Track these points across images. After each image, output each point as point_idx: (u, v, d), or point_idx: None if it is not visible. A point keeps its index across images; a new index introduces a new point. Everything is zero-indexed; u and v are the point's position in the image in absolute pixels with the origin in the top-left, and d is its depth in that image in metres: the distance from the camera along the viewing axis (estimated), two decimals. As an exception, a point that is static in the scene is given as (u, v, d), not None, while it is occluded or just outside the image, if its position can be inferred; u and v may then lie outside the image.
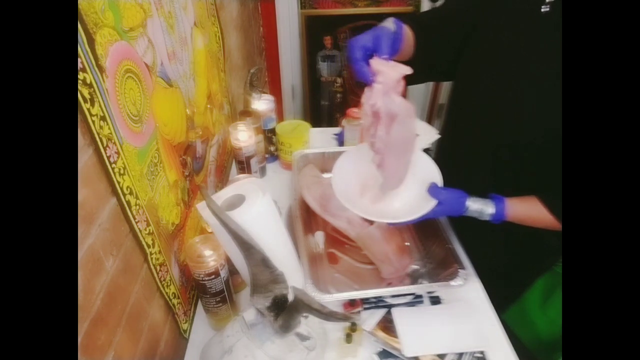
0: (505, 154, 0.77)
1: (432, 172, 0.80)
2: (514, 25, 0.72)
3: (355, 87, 2.37)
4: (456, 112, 0.91)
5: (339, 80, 2.34)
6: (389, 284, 0.83)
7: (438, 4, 2.13)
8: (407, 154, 0.75)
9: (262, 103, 1.13)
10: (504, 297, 0.83)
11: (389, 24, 0.69)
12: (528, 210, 0.75)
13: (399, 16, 0.74)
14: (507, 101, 0.73)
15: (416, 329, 0.75)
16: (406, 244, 0.94)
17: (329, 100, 2.40)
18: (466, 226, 0.92)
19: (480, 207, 0.75)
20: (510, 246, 0.90)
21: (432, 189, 0.76)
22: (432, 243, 0.89)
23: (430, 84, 2.35)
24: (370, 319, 0.77)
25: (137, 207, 0.56)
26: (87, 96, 0.44)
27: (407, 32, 0.79)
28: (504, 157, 0.77)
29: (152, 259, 0.61)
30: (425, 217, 0.76)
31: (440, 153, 1.02)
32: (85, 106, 0.44)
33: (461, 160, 0.88)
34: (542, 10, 0.66)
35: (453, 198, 0.76)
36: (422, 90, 2.41)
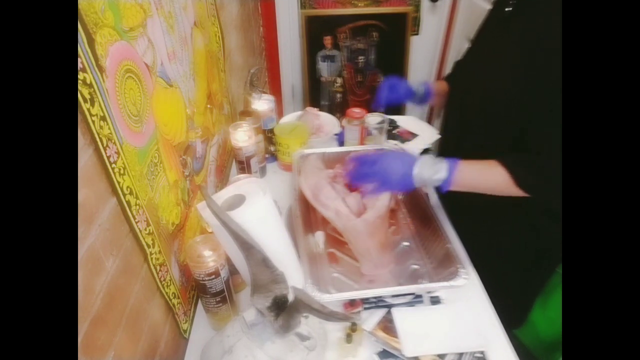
0: (504, 148, 0.77)
1: None
2: (487, 24, 0.78)
3: (355, 87, 2.37)
4: (452, 111, 0.92)
5: (339, 80, 2.34)
6: (371, 282, 0.83)
7: (438, 4, 2.13)
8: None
9: (262, 103, 1.13)
10: (509, 314, 0.83)
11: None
12: (481, 168, 0.74)
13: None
14: (489, 97, 0.76)
15: (416, 329, 0.75)
16: (406, 244, 0.94)
17: (329, 100, 2.40)
18: (466, 227, 0.91)
19: (431, 165, 0.75)
20: (510, 250, 0.90)
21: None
22: (432, 243, 0.89)
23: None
24: (370, 319, 0.77)
25: (137, 207, 0.56)
26: (87, 96, 0.44)
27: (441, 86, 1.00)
28: (503, 152, 0.77)
29: (152, 259, 0.61)
30: (379, 180, 0.79)
31: (441, 152, 1.02)
32: (85, 106, 0.44)
33: (463, 158, 0.88)
34: (506, 10, 0.71)
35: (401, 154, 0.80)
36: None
